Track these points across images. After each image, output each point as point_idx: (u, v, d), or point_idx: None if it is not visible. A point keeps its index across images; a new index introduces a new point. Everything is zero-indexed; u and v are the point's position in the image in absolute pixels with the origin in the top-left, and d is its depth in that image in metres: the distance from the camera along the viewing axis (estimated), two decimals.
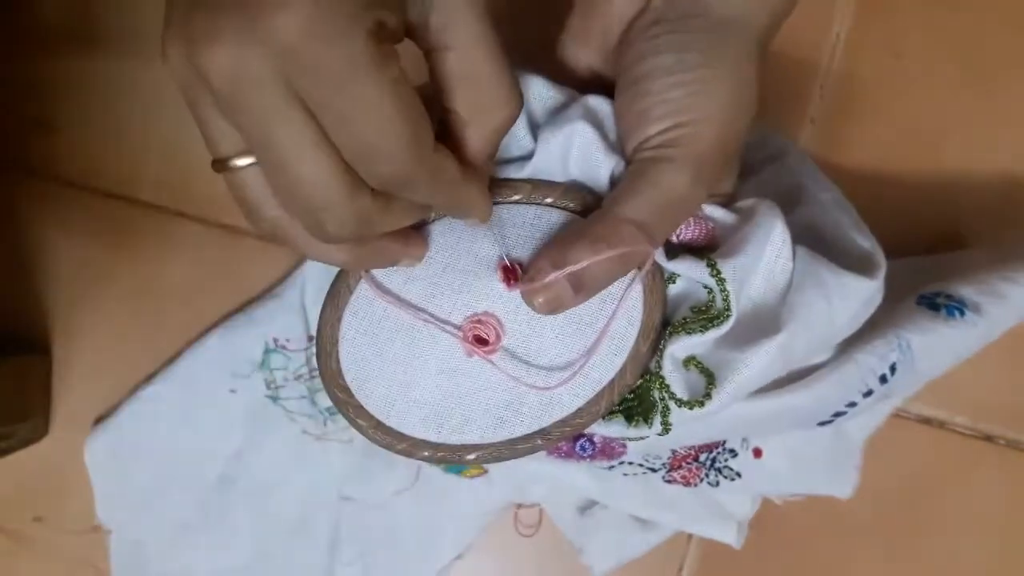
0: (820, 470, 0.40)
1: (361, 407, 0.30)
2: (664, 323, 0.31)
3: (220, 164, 0.23)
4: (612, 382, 0.30)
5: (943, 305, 0.35)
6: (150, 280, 0.48)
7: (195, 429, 0.46)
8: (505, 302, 0.29)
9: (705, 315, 0.29)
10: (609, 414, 0.31)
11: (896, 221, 0.45)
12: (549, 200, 0.30)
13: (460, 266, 0.29)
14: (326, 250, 0.25)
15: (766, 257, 0.29)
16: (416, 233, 0.29)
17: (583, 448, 0.35)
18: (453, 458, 0.30)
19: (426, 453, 0.30)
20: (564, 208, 0.30)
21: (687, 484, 0.38)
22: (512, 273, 0.29)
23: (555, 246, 0.27)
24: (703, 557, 0.45)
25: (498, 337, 0.29)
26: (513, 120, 0.25)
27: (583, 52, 0.31)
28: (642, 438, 0.31)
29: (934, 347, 0.34)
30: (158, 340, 0.47)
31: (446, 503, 0.44)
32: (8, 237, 0.48)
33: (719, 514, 0.42)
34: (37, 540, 0.47)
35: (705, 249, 0.31)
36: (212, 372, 0.46)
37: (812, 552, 0.45)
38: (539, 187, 0.30)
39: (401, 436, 0.30)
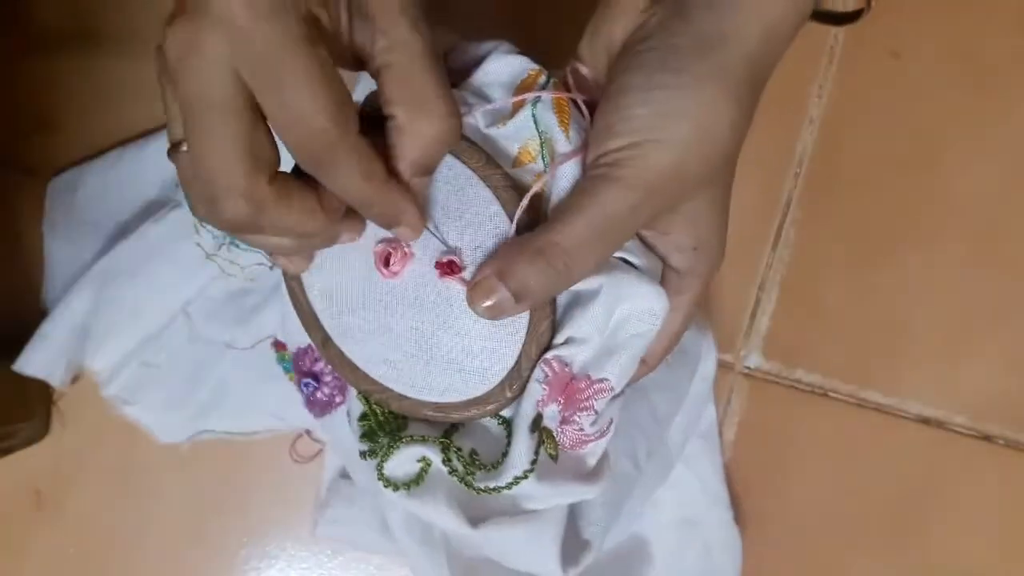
0: None
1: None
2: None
3: (172, 149, 0.26)
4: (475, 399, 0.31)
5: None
6: None
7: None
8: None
9: (479, 466, 0.30)
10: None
11: (894, 221, 0.45)
12: (493, 183, 0.30)
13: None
14: (257, 236, 0.27)
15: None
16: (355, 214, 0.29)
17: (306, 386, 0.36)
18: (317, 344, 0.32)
19: (316, 335, 0.32)
20: (499, 198, 0.30)
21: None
22: (448, 267, 0.29)
23: (500, 256, 0.28)
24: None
25: (403, 259, 0.30)
26: (448, 135, 0.26)
27: (591, 68, 0.31)
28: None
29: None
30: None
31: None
32: (8, 237, 0.48)
33: None
34: (38, 538, 0.48)
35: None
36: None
37: (812, 552, 0.45)
38: (490, 165, 0.30)
39: (305, 300, 0.32)
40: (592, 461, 0.31)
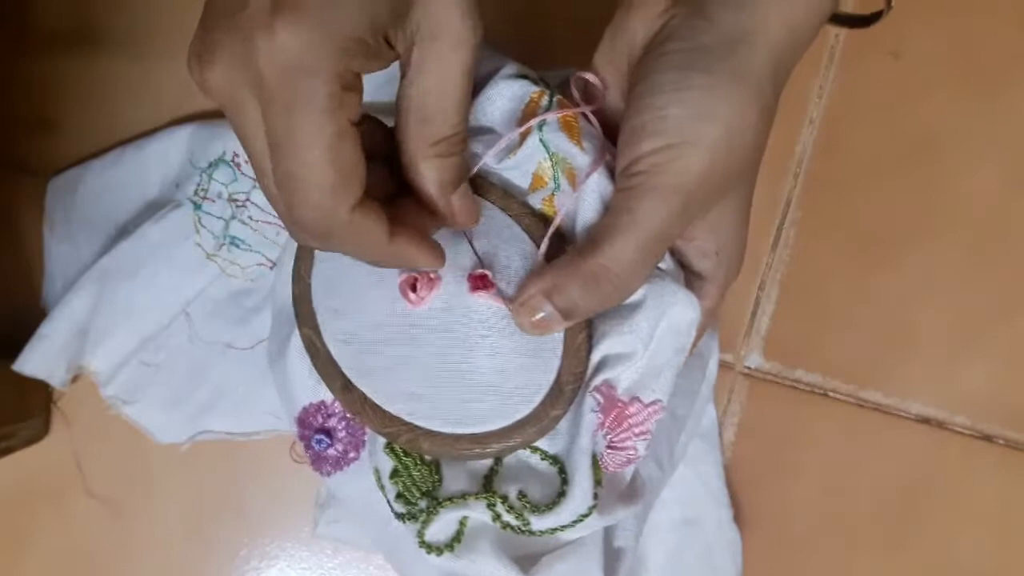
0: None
1: (311, 312, 0.31)
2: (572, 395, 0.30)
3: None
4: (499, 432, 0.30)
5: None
6: None
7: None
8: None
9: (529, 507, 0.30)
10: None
11: (894, 221, 0.45)
12: (513, 211, 0.30)
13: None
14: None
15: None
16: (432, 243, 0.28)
17: (319, 442, 0.35)
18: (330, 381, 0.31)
19: (338, 383, 0.31)
20: (521, 224, 0.30)
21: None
22: (481, 281, 0.29)
23: (549, 276, 0.28)
24: None
25: (428, 284, 0.29)
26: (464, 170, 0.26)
27: (610, 74, 0.30)
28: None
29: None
30: None
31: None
32: (8, 237, 0.48)
33: None
34: (38, 538, 0.48)
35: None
36: (177, 148, 0.47)
37: (812, 552, 0.45)
38: (508, 196, 0.30)
39: (323, 347, 0.31)
40: (628, 477, 0.31)
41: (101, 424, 0.47)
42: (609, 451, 0.30)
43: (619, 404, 0.29)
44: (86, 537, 0.47)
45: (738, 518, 0.44)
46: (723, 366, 0.45)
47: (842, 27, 0.32)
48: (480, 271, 0.29)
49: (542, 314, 0.27)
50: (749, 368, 0.46)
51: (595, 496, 0.29)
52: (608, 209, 0.28)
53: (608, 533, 0.32)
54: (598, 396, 0.29)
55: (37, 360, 0.45)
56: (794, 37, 0.27)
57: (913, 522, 0.44)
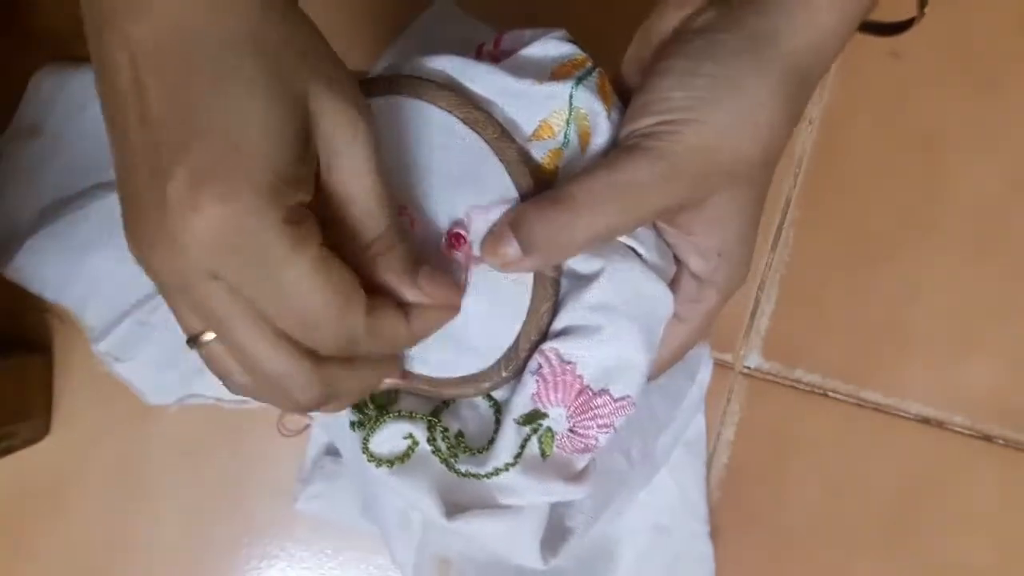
0: None
1: None
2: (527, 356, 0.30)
3: (192, 341, 0.24)
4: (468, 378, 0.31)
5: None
6: None
7: None
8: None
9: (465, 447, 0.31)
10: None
11: (894, 221, 0.45)
12: (506, 156, 0.29)
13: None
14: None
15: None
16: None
17: None
18: None
19: None
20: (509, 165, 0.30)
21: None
22: (455, 239, 0.29)
23: (519, 207, 0.28)
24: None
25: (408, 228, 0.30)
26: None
27: (637, 73, 0.31)
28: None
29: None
30: None
31: None
32: None
33: None
34: (38, 539, 0.48)
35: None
36: None
37: (812, 553, 0.45)
38: (505, 136, 0.30)
39: None
40: (581, 464, 0.31)
41: (101, 424, 0.47)
42: (570, 434, 0.30)
43: (587, 393, 0.29)
44: (86, 537, 0.47)
45: (737, 518, 0.45)
46: (723, 366, 0.45)
47: (873, 35, 0.32)
48: (456, 229, 0.29)
49: (505, 247, 0.27)
50: (748, 368, 0.46)
51: (516, 456, 0.29)
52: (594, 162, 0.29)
53: (561, 512, 0.33)
54: (540, 360, 0.29)
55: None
56: (820, 50, 0.27)
57: (913, 522, 0.44)
